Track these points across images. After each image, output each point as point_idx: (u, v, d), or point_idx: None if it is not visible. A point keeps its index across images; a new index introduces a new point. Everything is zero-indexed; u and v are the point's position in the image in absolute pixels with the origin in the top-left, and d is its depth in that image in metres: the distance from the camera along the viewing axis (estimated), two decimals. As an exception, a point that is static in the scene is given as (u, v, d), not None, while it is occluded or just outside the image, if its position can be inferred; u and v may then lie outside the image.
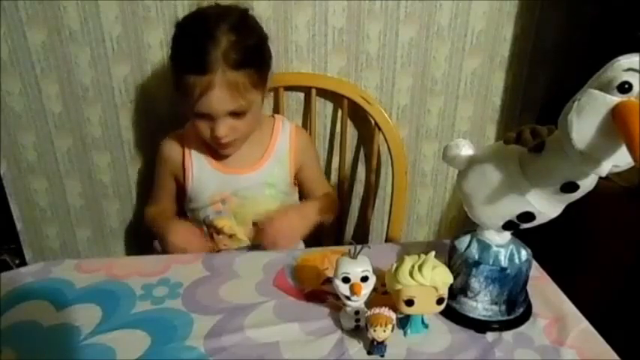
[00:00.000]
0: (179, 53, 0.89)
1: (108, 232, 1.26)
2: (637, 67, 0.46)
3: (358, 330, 0.64)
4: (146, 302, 0.70)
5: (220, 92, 0.85)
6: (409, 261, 0.61)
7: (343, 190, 1.19)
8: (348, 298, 0.62)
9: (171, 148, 1.01)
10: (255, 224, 0.99)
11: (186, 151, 0.99)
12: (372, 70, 1.12)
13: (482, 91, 1.17)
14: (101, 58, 1.06)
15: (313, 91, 1.09)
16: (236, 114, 0.88)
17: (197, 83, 0.84)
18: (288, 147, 1.01)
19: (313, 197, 1.05)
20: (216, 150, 0.97)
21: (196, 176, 0.99)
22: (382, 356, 0.61)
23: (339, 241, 1.19)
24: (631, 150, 0.43)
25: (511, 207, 0.60)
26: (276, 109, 1.11)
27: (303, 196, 1.08)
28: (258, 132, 0.99)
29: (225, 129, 0.88)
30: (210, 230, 1.01)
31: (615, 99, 0.46)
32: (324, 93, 1.12)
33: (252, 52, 0.88)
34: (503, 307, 0.67)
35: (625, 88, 0.46)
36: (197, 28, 0.87)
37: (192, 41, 0.86)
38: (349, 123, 1.14)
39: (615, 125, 0.45)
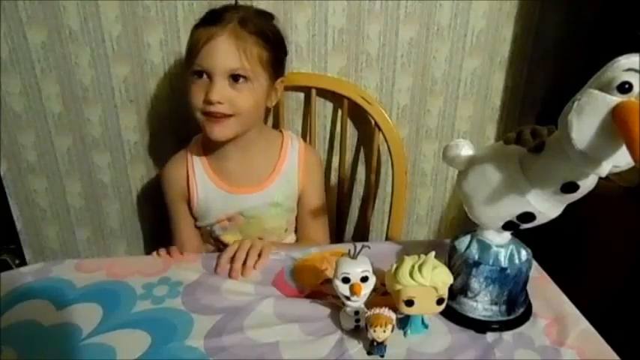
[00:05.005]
0: (198, 21, 0.87)
1: (108, 232, 1.25)
2: (637, 67, 0.46)
3: (358, 330, 0.64)
4: (146, 302, 0.70)
5: (225, 44, 0.82)
6: (409, 261, 0.61)
7: (343, 190, 1.19)
8: (347, 298, 0.62)
9: (174, 171, 0.98)
10: (261, 239, 0.95)
11: (190, 172, 0.96)
12: (372, 70, 1.12)
13: (483, 91, 1.17)
14: (101, 58, 1.06)
15: (313, 91, 1.09)
16: (235, 79, 0.83)
17: (204, 34, 0.82)
18: (297, 166, 0.98)
19: (304, 240, 1.01)
20: (220, 167, 0.95)
21: (201, 197, 0.96)
22: (382, 356, 0.61)
23: (339, 241, 1.19)
24: (631, 150, 0.43)
25: (511, 207, 0.60)
26: (276, 109, 1.11)
27: (296, 220, 1.04)
28: (265, 147, 0.97)
29: (220, 92, 0.82)
30: (218, 244, 1.01)
31: (615, 99, 0.46)
32: (324, 93, 1.12)
33: (269, 31, 0.87)
34: (503, 308, 0.67)
35: (625, 88, 0.46)
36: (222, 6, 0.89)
37: (214, 9, 0.88)
38: (349, 123, 1.14)
39: (615, 125, 0.45)
